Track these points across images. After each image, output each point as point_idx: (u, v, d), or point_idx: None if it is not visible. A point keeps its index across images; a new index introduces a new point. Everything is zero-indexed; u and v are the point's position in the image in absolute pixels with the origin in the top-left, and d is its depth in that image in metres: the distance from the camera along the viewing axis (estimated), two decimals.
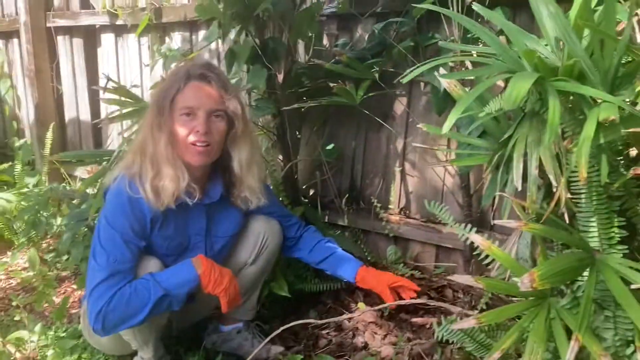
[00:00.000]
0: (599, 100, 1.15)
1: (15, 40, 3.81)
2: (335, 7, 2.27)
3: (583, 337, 1.10)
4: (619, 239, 1.22)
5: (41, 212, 2.64)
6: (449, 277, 1.45)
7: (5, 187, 3.27)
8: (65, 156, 2.27)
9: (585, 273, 1.20)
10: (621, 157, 1.30)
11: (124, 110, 2.10)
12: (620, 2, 1.24)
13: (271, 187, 2.04)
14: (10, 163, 3.44)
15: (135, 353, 1.76)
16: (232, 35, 2.14)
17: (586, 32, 1.26)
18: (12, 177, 3.43)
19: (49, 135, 3.33)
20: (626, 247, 1.22)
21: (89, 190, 2.56)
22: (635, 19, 1.42)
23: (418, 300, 1.78)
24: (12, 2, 3.71)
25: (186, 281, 1.56)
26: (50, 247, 2.88)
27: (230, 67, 2.05)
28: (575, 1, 1.32)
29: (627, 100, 1.17)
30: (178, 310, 1.61)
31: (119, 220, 1.55)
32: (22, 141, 3.84)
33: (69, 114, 3.65)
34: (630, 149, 1.30)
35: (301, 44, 2.32)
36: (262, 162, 1.88)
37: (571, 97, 1.26)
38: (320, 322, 1.75)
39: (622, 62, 1.18)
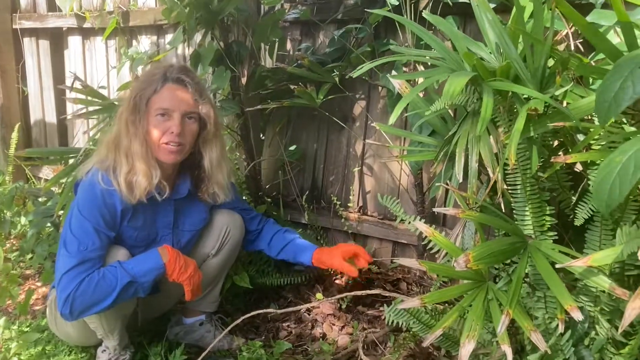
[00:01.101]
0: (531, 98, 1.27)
1: None
2: (298, 13, 2.37)
3: (514, 314, 1.22)
4: (549, 226, 1.35)
5: (5, 210, 2.65)
6: (397, 260, 1.54)
7: None
8: (32, 152, 2.29)
9: (519, 257, 1.32)
10: (552, 151, 1.43)
11: (91, 109, 2.15)
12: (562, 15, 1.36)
13: (235, 185, 2.11)
14: None
15: (99, 344, 1.82)
16: (197, 38, 2.22)
17: (521, 38, 1.39)
18: None
19: (14, 135, 3.34)
20: (555, 233, 1.34)
21: (54, 189, 2.58)
22: (569, 29, 1.57)
23: (373, 291, 1.88)
24: None
25: (152, 269, 1.62)
26: (14, 247, 2.89)
27: (195, 69, 2.13)
28: (512, 11, 1.46)
29: (554, 97, 1.29)
30: (144, 297, 1.68)
31: (92, 211, 1.61)
32: None
33: (34, 114, 3.66)
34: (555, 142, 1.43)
35: (265, 48, 2.41)
36: (229, 160, 1.96)
37: (512, 99, 1.38)
38: (279, 311, 1.81)
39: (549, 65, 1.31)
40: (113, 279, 1.57)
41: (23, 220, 2.88)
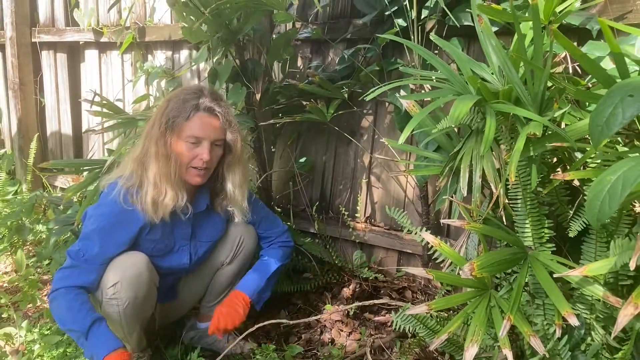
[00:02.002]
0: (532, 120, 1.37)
1: None
2: (310, 32, 2.48)
3: (514, 319, 1.31)
4: (548, 238, 1.44)
5: (24, 218, 2.75)
6: (405, 269, 1.64)
7: None
8: (56, 164, 2.39)
9: (519, 266, 1.42)
10: (551, 168, 1.53)
11: (109, 123, 2.25)
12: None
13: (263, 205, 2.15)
14: None
15: None
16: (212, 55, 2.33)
17: (522, 63, 1.49)
18: None
19: (33, 145, 3.45)
20: (553, 245, 1.44)
21: (73, 198, 2.69)
22: (566, 53, 1.67)
23: (380, 301, 1.97)
24: None
25: (93, 354, 1.65)
26: (30, 253, 2.99)
27: (212, 85, 2.23)
28: (513, 38, 1.56)
29: (553, 119, 1.39)
30: (161, 303, 1.78)
31: (104, 226, 1.72)
32: (2, 151, 3.94)
33: (50, 125, 3.77)
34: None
35: (277, 65, 2.51)
36: (249, 183, 2.03)
37: (513, 119, 1.48)
38: (291, 322, 1.90)
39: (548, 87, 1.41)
40: (80, 317, 1.64)
41: (39, 227, 2.98)
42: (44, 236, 3.01)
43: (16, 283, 2.65)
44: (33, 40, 3.63)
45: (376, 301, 1.98)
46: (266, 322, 1.86)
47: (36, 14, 3.64)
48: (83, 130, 3.62)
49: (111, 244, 1.73)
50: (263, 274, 1.99)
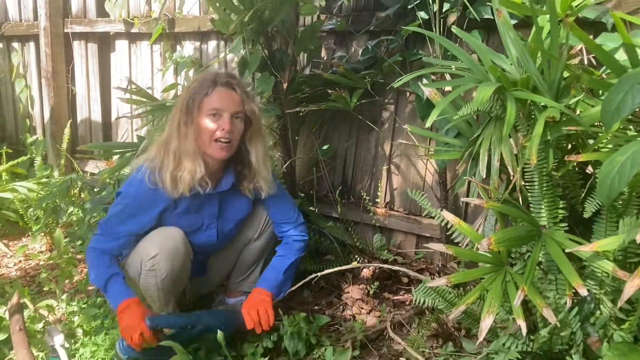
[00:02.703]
0: (548, 107, 1.47)
1: (32, 44, 4.07)
2: (334, 24, 2.59)
3: (528, 291, 1.41)
4: (561, 218, 1.54)
5: (59, 200, 2.89)
6: (426, 246, 1.74)
7: (17, 180, 3.52)
8: (92, 146, 2.55)
9: (533, 243, 1.52)
10: (565, 153, 1.62)
11: (140, 109, 2.39)
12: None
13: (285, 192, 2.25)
14: (23, 157, 3.69)
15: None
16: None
17: (540, 53, 1.58)
18: (26, 170, 3.69)
19: (67, 131, 3.60)
20: (566, 225, 1.54)
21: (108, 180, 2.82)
22: (581, 46, 1.76)
23: (399, 268, 2.03)
24: (30, 9, 4.00)
25: (111, 302, 1.88)
26: (63, 234, 3.13)
27: (242, 74, 2.35)
28: (531, 30, 1.65)
29: (568, 106, 1.49)
30: (190, 281, 1.96)
31: (129, 204, 1.90)
32: (34, 137, 4.09)
33: (81, 113, 3.92)
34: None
35: (302, 55, 2.62)
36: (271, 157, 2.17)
37: (531, 106, 1.57)
38: (325, 272, 1.89)
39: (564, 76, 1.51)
40: (100, 273, 1.88)
41: (72, 209, 3.12)
42: (75, 219, 3.15)
43: (52, 261, 2.80)
44: (65, 30, 3.76)
45: (399, 268, 2.02)
46: (305, 281, 1.93)
47: (69, 5, 3.77)
48: (113, 118, 3.76)
49: (132, 220, 1.90)
50: (279, 269, 2.08)
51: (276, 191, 2.09)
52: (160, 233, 1.89)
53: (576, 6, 1.73)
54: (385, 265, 1.90)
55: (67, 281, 2.55)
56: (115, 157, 2.76)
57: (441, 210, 1.85)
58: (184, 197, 1.88)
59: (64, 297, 2.29)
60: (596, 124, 1.50)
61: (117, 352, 1.85)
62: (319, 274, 1.87)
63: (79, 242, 2.99)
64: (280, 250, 2.14)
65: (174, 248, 1.86)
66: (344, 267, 1.91)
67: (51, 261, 2.80)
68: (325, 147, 2.72)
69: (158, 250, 1.84)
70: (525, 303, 1.48)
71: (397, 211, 2.63)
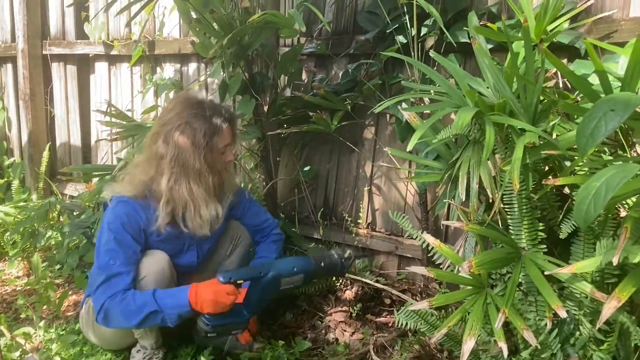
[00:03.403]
0: (526, 130, 1.50)
1: (9, 65, 4.04)
2: (314, 47, 2.61)
3: (509, 314, 1.42)
4: (540, 240, 1.56)
5: (38, 224, 2.85)
6: (407, 269, 1.75)
7: None
8: (73, 169, 2.53)
9: (513, 265, 1.54)
10: (543, 175, 1.65)
11: (116, 131, 2.38)
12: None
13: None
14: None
15: (131, 346, 2.01)
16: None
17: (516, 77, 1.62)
18: (2, 193, 3.64)
19: (45, 154, 3.56)
20: (545, 246, 1.56)
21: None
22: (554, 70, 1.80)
23: (380, 286, 2.04)
24: (7, 30, 3.97)
25: (178, 305, 1.76)
26: (41, 259, 3.08)
27: (223, 97, 2.36)
28: (507, 55, 1.69)
29: (545, 130, 1.52)
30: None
31: (120, 229, 1.83)
32: (11, 160, 4.04)
33: (59, 135, 3.88)
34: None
35: (283, 78, 2.64)
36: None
37: (508, 130, 1.60)
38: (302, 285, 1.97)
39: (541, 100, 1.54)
40: (141, 303, 1.74)
41: (51, 233, 3.08)
42: (54, 242, 3.11)
43: (29, 287, 2.74)
44: (44, 52, 3.74)
45: (380, 285, 2.03)
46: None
47: (47, 27, 3.76)
48: (92, 140, 3.73)
49: (134, 240, 1.84)
50: None
51: (243, 197, 2.16)
52: (147, 257, 1.88)
53: (550, 31, 1.77)
54: (372, 283, 1.90)
55: (45, 307, 2.50)
56: (95, 180, 2.74)
57: (422, 232, 1.87)
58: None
59: (41, 324, 2.24)
60: (573, 147, 1.53)
61: (201, 328, 1.82)
62: None
63: (58, 267, 2.94)
64: (260, 251, 2.19)
65: (160, 271, 1.85)
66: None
67: (29, 287, 2.75)
68: (306, 169, 2.73)
69: (145, 273, 1.83)
70: (506, 325, 1.49)
71: (379, 232, 2.64)
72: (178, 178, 1.83)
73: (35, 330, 2.23)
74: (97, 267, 1.81)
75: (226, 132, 1.86)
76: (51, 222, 3.03)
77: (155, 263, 1.85)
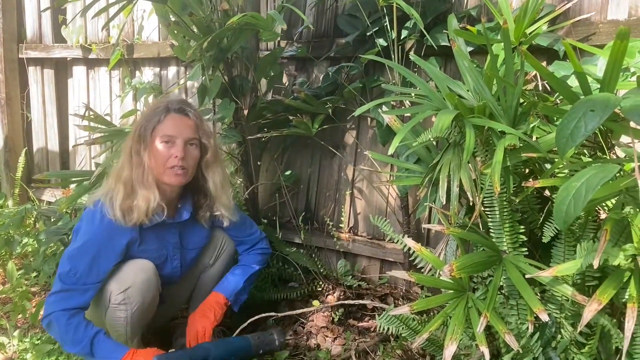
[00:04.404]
0: (506, 133, 1.49)
1: None
2: (295, 51, 2.59)
3: (490, 318, 1.41)
4: (521, 243, 1.55)
5: (13, 230, 2.79)
6: (388, 273, 1.73)
7: None
8: (49, 175, 2.46)
9: (494, 268, 1.52)
10: (523, 178, 1.65)
11: (97, 134, 2.33)
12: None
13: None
14: None
15: None
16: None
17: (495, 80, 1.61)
18: None
19: (21, 159, 3.49)
20: (526, 249, 1.55)
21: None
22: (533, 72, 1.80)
23: (364, 302, 2.06)
24: None
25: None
26: (17, 266, 3.01)
27: (202, 101, 2.33)
28: (487, 58, 1.69)
29: (525, 132, 1.51)
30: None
31: (92, 242, 1.77)
32: None
33: (37, 140, 3.81)
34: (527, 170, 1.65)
35: (264, 81, 2.61)
36: (231, 184, 2.14)
37: (488, 132, 1.59)
38: (280, 314, 2.04)
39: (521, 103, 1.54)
40: (79, 339, 1.71)
41: (27, 240, 3.01)
42: (30, 249, 3.04)
43: (4, 295, 2.68)
44: (20, 56, 3.68)
45: (361, 302, 2.06)
46: (256, 317, 2.00)
47: (23, 30, 3.69)
48: (70, 145, 3.67)
49: (102, 260, 1.77)
50: (241, 277, 2.08)
51: (237, 218, 2.07)
52: (132, 265, 1.82)
53: (529, 34, 1.77)
54: (348, 302, 1.89)
55: (20, 316, 2.44)
56: (73, 186, 2.68)
57: (403, 236, 1.85)
58: (147, 230, 1.84)
59: (15, 333, 2.19)
60: (553, 149, 1.53)
61: None
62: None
63: (34, 274, 2.88)
64: (243, 259, 2.15)
65: (146, 280, 1.81)
66: (303, 310, 1.90)
67: (3, 295, 2.68)
68: (287, 173, 2.71)
69: (131, 283, 1.78)
70: (488, 329, 1.48)
71: (361, 236, 2.62)
72: (122, 162, 1.81)
73: (10, 340, 2.18)
74: (58, 274, 1.77)
75: (169, 121, 1.78)
76: (27, 229, 2.97)
77: (140, 272, 1.81)
